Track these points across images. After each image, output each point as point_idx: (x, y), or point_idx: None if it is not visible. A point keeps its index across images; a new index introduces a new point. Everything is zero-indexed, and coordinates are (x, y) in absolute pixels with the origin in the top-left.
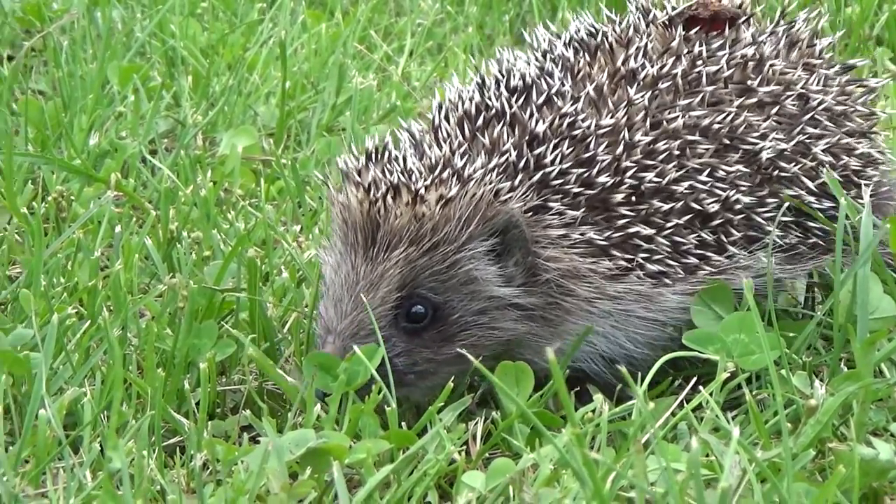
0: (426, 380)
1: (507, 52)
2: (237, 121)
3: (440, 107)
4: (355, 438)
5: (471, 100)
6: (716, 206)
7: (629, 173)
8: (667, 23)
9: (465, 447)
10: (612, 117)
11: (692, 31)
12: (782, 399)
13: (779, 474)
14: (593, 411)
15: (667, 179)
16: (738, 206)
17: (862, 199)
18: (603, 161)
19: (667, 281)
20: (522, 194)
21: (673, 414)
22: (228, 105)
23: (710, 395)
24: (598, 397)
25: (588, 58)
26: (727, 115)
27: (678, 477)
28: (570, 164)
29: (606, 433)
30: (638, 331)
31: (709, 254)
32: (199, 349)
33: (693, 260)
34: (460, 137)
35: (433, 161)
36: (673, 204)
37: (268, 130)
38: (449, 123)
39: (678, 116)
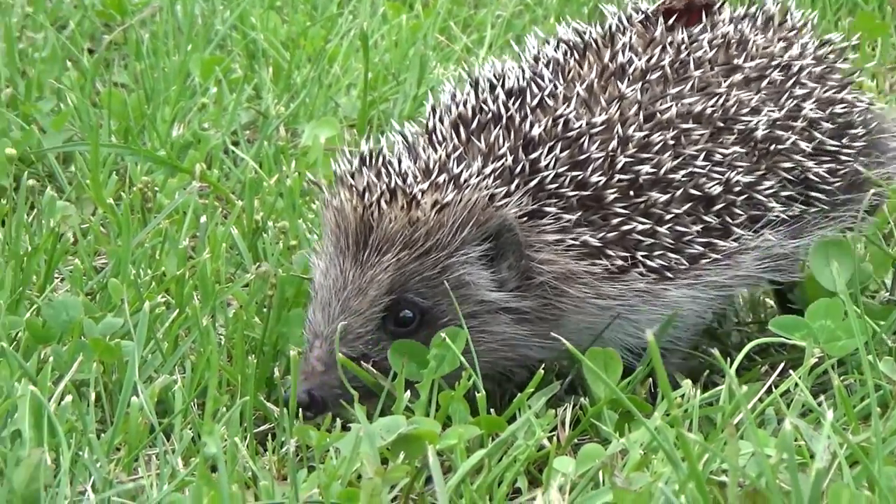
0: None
1: (498, 59)
2: (319, 112)
3: (434, 109)
4: (445, 425)
5: (465, 103)
6: (717, 189)
7: (624, 168)
8: (644, 21)
9: (553, 433)
10: (604, 114)
11: (670, 24)
12: (872, 383)
13: (868, 458)
14: (682, 396)
15: (664, 169)
16: (738, 188)
17: (855, 145)
18: (596, 160)
19: (668, 275)
20: (518, 199)
21: (760, 400)
22: (310, 97)
23: (799, 379)
24: (687, 382)
25: (577, 57)
26: (718, 98)
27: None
28: (564, 166)
29: (697, 418)
30: (642, 327)
31: (714, 240)
32: (288, 337)
33: (698, 248)
34: (455, 141)
35: (428, 165)
36: (672, 193)
37: (349, 121)
38: (444, 126)
39: (671, 106)
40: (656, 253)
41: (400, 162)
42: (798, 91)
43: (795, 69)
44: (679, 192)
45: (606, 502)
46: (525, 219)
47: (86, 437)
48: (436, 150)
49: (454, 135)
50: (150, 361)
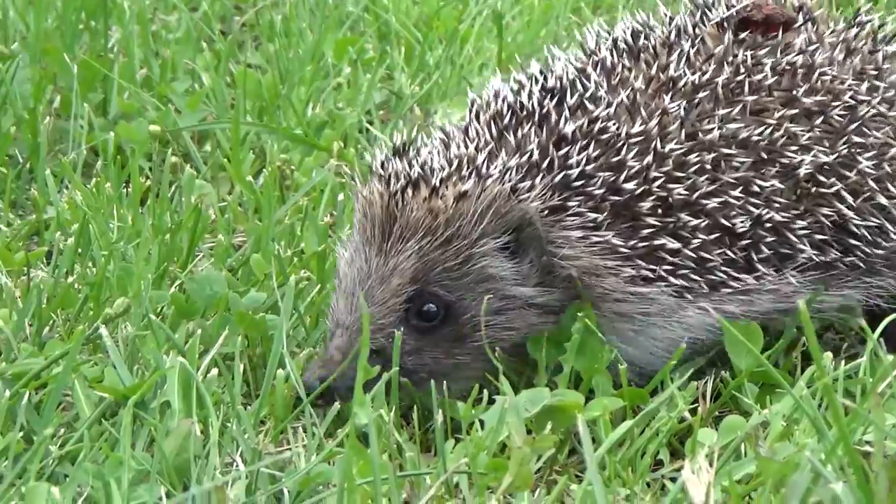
0: (439, 381)
1: (552, 52)
2: (451, 92)
3: (472, 104)
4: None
5: (504, 99)
6: (746, 225)
7: (657, 183)
8: (719, 23)
9: (694, 405)
10: (643, 125)
11: (744, 34)
12: None
13: None
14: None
15: (697, 193)
16: (769, 224)
17: None
18: (632, 168)
19: (688, 296)
20: (541, 194)
21: None
22: (443, 77)
23: None
24: (828, 355)
25: (629, 62)
26: (767, 128)
27: None
28: (596, 166)
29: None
30: (657, 342)
31: (735, 272)
32: None
33: (719, 277)
34: (487, 136)
35: (456, 158)
36: (702, 220)
37: None
38: (479, 123)
39: (714, 128)
40: (680, 272)
41: (431, 155)
42: (856, 139)
43: (861, 113)
44: (708, 220)
45: (750, 472)
46: (548, 213)
47: (234, 409)
48: (467, 146)
49: (488, 131)
50: (292, 336)
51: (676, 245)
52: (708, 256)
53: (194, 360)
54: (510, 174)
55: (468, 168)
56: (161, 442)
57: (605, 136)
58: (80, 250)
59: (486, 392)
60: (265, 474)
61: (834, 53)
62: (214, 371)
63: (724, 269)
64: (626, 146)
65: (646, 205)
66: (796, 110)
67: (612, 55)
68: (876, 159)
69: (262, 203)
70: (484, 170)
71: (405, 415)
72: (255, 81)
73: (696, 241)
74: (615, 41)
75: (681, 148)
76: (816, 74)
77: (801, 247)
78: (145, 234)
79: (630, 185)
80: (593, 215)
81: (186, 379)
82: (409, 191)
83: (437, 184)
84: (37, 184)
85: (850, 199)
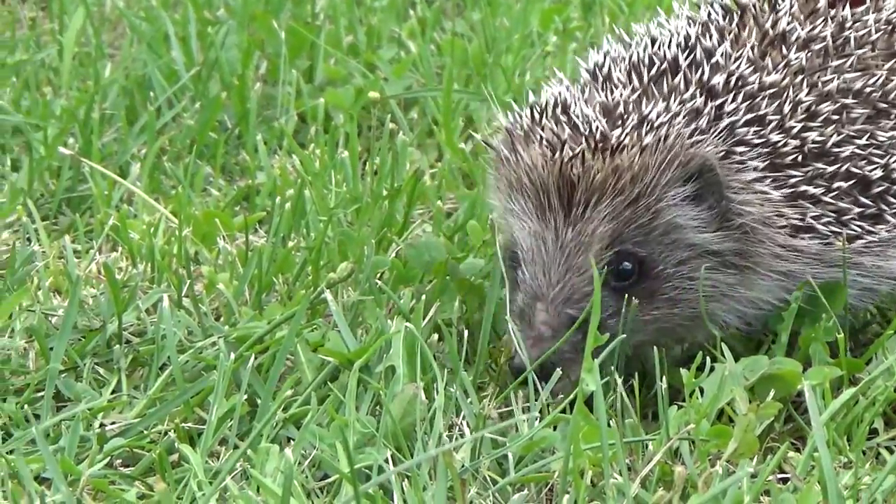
0: (635, 339)
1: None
2: None
3: (600, 62)
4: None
5: (636, 55)
6: (878, 173)
7: (794, 132)
8: None
9: None
10: (773, 75)
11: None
12: None
13: None
14: None
15: (830, 142)
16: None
17: None
18: (772, 119)
19: (835, 243)
20: (713, 139)
21: None
22: None
23: None
24: None
25: (737, 20)
26: (878, 79)
27: None
28: (748, 118)
29: None
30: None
31: (868, 226)
32: None
33: (856, 230)
34: (635, 84)
35: (608, 107)
36: (837, 167)
37: None
38: (619, 72)
39: (833, 79)
40: (823, 221)
41: (581, 109)
42: None
43: None
44: (842, 168)
45: None
46: (722, 157)
47: (457, 374)
48: (612, 94)
49: (630, 81)
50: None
51: (819, 191)
52: (845, 206)
53: (419, 324)
54: (678, 120)
55: (633, 118)
56: (388, 406)
57: (746, 89)
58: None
59: (707, 359)
60: (488, 439)
61: None
62: (435, 336)
63: (859, 222)
64: (765, 98)
65: (788, 155)
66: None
67: (715, 16)
68: None
69: (473, 170)
70: (650, 117)
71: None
72: (461, 49)
73: (833, 188)
74: (711, 4)
75: (809, 98)
76: None
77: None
78: (366, 200)
79: (775, 136)
80: (754, 163)
81: (411, 344)
82: (587, 152)
83: (612, 139)
84: (246, 149)
85: None
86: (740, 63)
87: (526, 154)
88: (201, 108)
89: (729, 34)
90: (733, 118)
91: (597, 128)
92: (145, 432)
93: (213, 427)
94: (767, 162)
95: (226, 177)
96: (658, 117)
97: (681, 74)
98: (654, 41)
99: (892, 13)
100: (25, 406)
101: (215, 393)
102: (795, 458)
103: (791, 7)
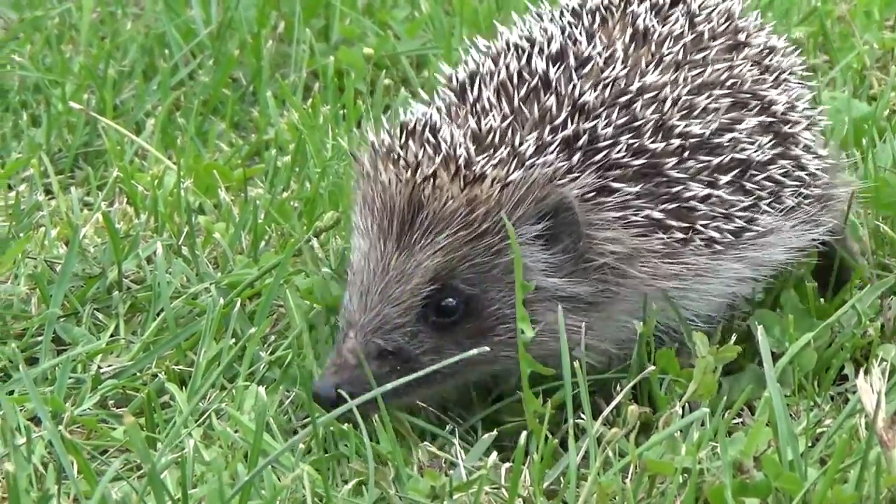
0: (455, 378)
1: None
2: None
3: (469, 74)
4: None
5: (507, 66)
6: (759, 156)
7: (676, 131)
8: None
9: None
10: (650, 76)
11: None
12: None
13: None
14: None
15: (709, 131)
16: (766, 157)
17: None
18: (649, 122)
19: (718, 247)
20: (582, 174)
21: None
22: None
23: None
24: None
25: (599, 21)
26: (737, 69)
27: None
28: (621, 133)
29: None
30: (695, 304)
31: (753, 214)
32: None
33: (740, 222)
34: (505, 108)
35: (479, 135)
36: (722, 157)
37: None
38: (488, 91)
39: (702, 72)
40: (712, 225)
41: (451, 133)
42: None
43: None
44: (726, 158)
45: None
46: (591, 194)
47: None
48: (482, 120)
49: (500, 102)
50: None
51: (704, 189)
52: (731, 198)
53: None
54: (550, 156)
55: (502, 149)
56: None
57: (620, 97)
58: (296, 168)
59: None
60: None
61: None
62: None
63: (743, 212)
64: (640, 101)
65: (668, 157)
66: (745, 54)
67: (576, 20)
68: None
69: None
70: (521, 151)
71: None
72: (471, 9)
73: (719, 182)
74: (564, 9)
75: (687, 93)
76: (745, 34)
77: (787, 187)
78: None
79: (652, 144)
80: (628, 189)
81: None
82: (443, 177)
83: (475, 169)
84: (259, 106)
85: (807, 138)
86: (614, 66)
87: (383, 173)
88: (216, 65)
89: (596, 33)
90: (606, 142)
91: (460, 154)
92: (138, 374)
93: (201, 369)
94: (644, 177)
95: (240, 133)
96: (527, 149)
97: (552, 94)
98: (522, 50)
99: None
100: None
101: (203, 336)
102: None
103: (636, 6)
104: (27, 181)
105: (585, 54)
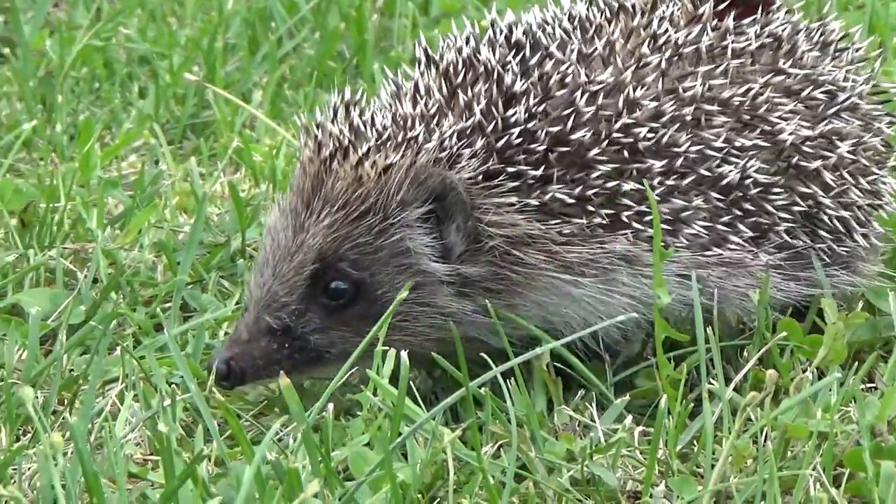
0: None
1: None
2: None
3: (428, 57)
4: None
5: (459, 52)
6: (732, 175)
7: (622, 129)
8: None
9: None
10: (615, 74)
11: (720, 9)
12: None
13: None
14: None
15: (669, 139)
16: (749, 181)
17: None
18: (585, 114)
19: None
20: (476, 158)
21: None
22: None
23: None
24: None
25: (609, 17)
26: (750, 90)
27: None
28: (544, 123)
29: None
30: (613, 298)
31: (718, 226)
32: None
33: (696, 229)
34: (437, 94)
35: (399, 119)
36: (675, 165)
37: None
38: (431, 76)
39: (696, 85)
40: (646, 219)
41: (373, 116)
42: (836, 123)
43: (840, 99)
44: (686, 167)
45: None
46: (479, 178)
47: None
48: (415, 104)
49: (438, 88)
50: None
51: (638, 187)
52: (684, 203)
53: None
54: (450, 140)
55: (404, 133)
56: None
57: (559, 89)
58: None
59: None
60: None
61: (813, 40)
62: None
63: (702, 223)
64: (583, 95)
65: (600, 150)
66: (779, 79)
67: (589, 10)
68: (854, 146)
69: None
70: (420, 136)
71: None
72: None
73: (665, 185)
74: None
75: (657, 101)
76: (800, 52)
77: (778, 219)
78: None
79: (580, 133)
80: (534, 172)
81: None
82: (339, 157)
83: (364, 151)
84: (363, 78)
85: (830, 179)
86: (575, 58)
87: (302, 152)
88: (320, 39)
89: (592, 29)
90: (516, 129)
91: (361, 137)
92: None
93: None
94: (563, 163)
95: None
96: (432, 135)
97: (489, 82)
98: (480, 40)
99: (778, 26)
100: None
101: None
102: (883, 368)
103: (672, 12)
104: (136, 152)
105: (554, 45)
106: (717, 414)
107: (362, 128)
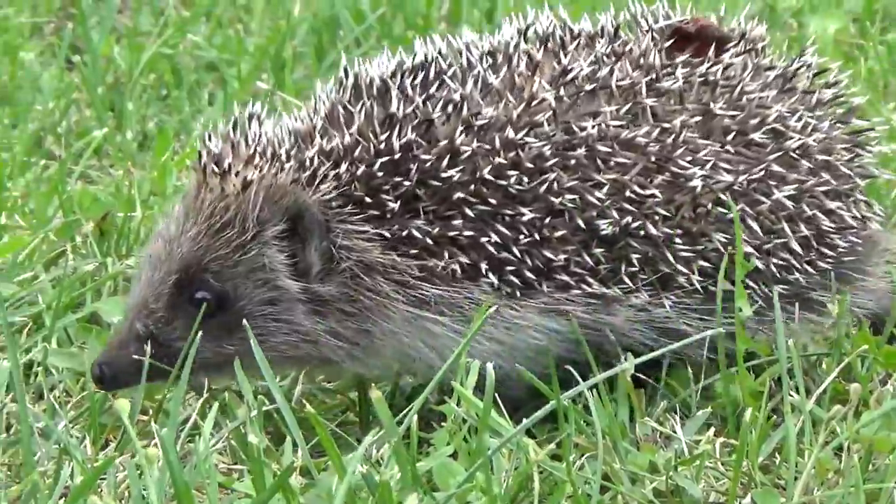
0: (214, 372)
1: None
2: (823, 5)
3: (346, 75)
4: None
5: (365, 73)
6: (609, 230)
7: (492, 171)
8: (654, 35)
9: None
10: (497, 110)
11: (675, 47)
12: None
13: None
14: None
15: (544, 187)
16: (642, 234)
17: (819, 265)
18: (462, 154)
19: (518, 294)
20: (340, 180)
21: None
22: None
23: None
24: None
25: (532, 49)
26: (662, 133)
27: None
28: (420, 152)
29: None
30: (483, 345)
31: (589, 277)
32: None
33: (565, 279)
34: (323, 112)
35: (278, 136)
36: (549, 215)
37: (853, 15)
38: (325, 97)
39: (593, 124)
40: (508, 268)
41: (257, 132)
42: (776, 168)
43: (791, 142)
44: (560, 217)
45: None
46: (336, 202)
47: None
48: (304, 122)
49: (325, 106)
50: None
51: (507, 235)
52: (550, 256)
53: None
54: (314, 160)
55: (274, 150)
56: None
57: (446, 120)
58: None
59: None
60: None
61: (767, 80)
62: None
63: (575, 270)
64: (465, 128)
65: (471, 191)
66: (705, 122)
67: (516, 41)
68: (797, 193)
69: None
70: (286, 153)
71: None
72: None
73: (534, 236)
74: (524, 31)
75: (541, 140)
76: (738, 92)
77: (681, 268)
78: None
79: (451, 172)
80: (394, 206)
81: None
82: (212, 170)
83: (232, 165)
84: None
85: (757, 230)
86: (467, 92)
87: (193, 163)
88: (387, 47)
89: (502, 61)
90: (385, 158)
91: (234, 151)
92: None
93: None
94: (429, 199)
95: None
96: (304, 153)
97: (373, 102)
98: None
99: (715, 68)
100: None
101: None
102: None
103: (604, 48)
104: None
105: (449, 72)
106: (798, 426)
107: (242, 143)
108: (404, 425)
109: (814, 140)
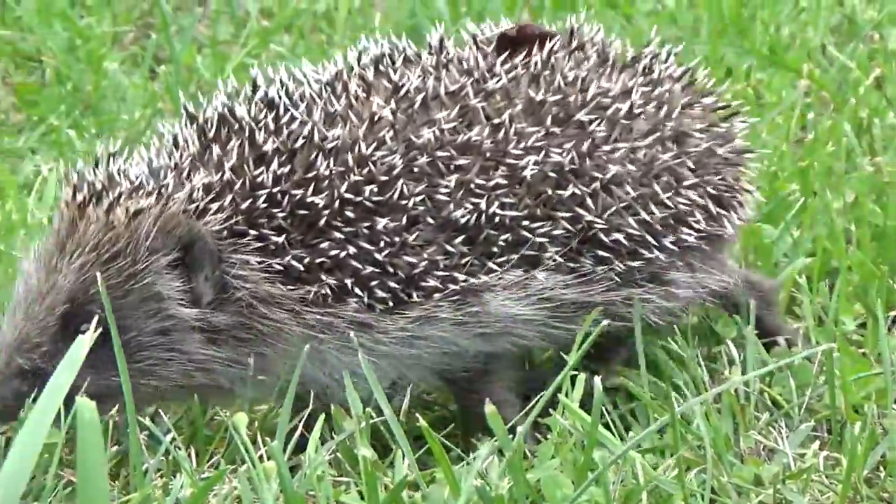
0: (102, 403)
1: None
2: None
3: (188, 112)
4: None
5: (219, 107)
6: (471, 218)
7: (351, 188)
8: (478, 44)
9: None
10: (343, 130)
11: (505, 53)
12: None
13: None
14: None
15: (397, 194)
16: (497, 220)
17: (675, 244)
18: (323, 178)
19: (391, 305)
20: (222, 214)
21: None
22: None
23: None
24: None
25: (368, 74)
26: (494, 128)
27: None
28: (288, 184)
29: None
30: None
31: (456, 273)
32: None
33: (432, 282)
34: (192, 148)
35: (152, 170)
36: (408, 222)
37: None
38: (189, 130)
39: (427, 132)
40: (374, 283)
41: (127, 166)
42: (621, 145)
43: (630, 111)
44: (408, 216)
45: None
46: (226, 235)
47: None
48: (171, 157)
49: (192, 142)
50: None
51: (369, 250)
52: (413, 260)
53: None
54: (198, 192)
55: (156, 182)
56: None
57: (303, 150)
58: None
59: None
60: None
61: (601, 70)
62: None
63: (440, 273)
64: (320, 155)
65: (331, 213)
66: (532, 112)
67: (354, 66)
68: (638, 168)
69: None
70: (171, 186)
71: None
72: (717, 4)
73: (394, 245)
74: (358, 57)
75: (387, 153)
76: (559, 77)
77: (546, 247)
78: None
79: (317, 198)
80: (276, 238)
81: None
82: (93, 202)
83: (116, 197)
84: None
85: (593, 207)
86: (317, 117)
87: (61, 197)
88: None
89: (340, 86)
90: (263, 191)
91: (117, 182)
92: None
93: None
94: (302, 229)
95: None
96: (182, 186)
97: (241, 139)
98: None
99: (533, 59)
100: None
101: None
102: None
103: (432, 62)
104: None
105: (295, 100)
106: None
107: (117, 176)
108: (516, 440)
109: (653, 107)
